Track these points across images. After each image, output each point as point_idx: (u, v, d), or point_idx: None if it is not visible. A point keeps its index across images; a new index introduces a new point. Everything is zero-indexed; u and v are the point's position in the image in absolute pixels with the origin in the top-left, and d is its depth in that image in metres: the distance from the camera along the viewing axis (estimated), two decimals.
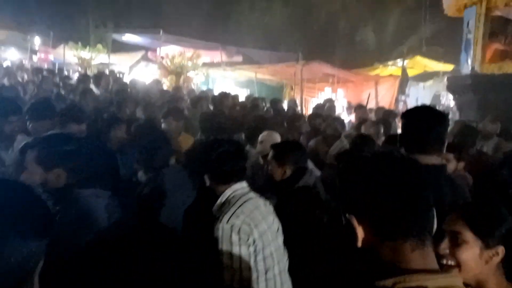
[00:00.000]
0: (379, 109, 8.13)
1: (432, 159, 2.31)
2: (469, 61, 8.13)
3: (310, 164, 3.82)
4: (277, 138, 4.35)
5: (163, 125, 4.95)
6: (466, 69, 8.23)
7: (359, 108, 8.00)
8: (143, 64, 19.51)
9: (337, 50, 20.98)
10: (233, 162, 2.49)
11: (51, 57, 18.92)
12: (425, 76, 16.39)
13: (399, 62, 16.36)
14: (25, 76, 12.57)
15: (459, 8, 8.40)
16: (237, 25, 22.38)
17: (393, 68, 16.83)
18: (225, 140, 2.64)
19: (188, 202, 2.86)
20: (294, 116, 6.73)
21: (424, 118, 2.34)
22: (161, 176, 3.11)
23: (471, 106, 7.91)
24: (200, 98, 8.50)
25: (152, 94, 9.16)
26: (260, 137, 4.34)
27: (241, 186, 2.52)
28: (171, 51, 16.70)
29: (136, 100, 7.57)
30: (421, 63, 16.13)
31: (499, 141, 5.02)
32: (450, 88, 8.60)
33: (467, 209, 1.79)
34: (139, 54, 19.28)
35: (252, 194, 2.54)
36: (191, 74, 16.57)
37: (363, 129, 5.36)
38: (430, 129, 2.30)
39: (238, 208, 2.37)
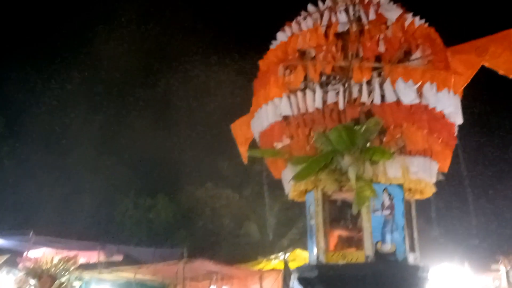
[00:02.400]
0: None
1: None
2: (314, 250, 7.91)
3: None
4: None
5: None
6: (313, 258, 7.97)
7: None
8: (5, 270, 17.32)
9: (222, 243, 20.99)
10: None
11: None
12: None
13: (281, 255, 16.78)
14: None
15: (300, 193, 8.50)
16: (120, 222, 21.86)
17: (276, 261, 17.09)
18: None
19: None
20: None
21: None
22: None
23: None
24: None
25: None
26: None
27: None
28: (43, 254, 15.30)
29: None
30: (301, 256, 16.39)
31: None
32: (301, 281, 8.15)
33: None
34: (1, 259, 17.23)
35: None
36: (64, 279, 14.96)
37: None
38: None
39: None
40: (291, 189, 8.40)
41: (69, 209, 21.19)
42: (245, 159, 10.09)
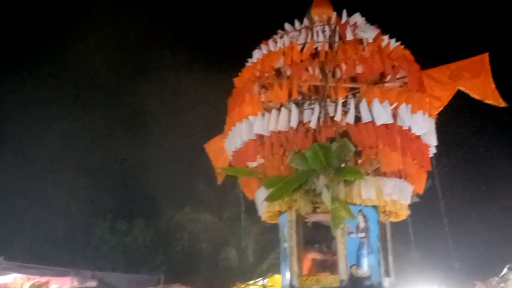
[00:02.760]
0: None
1: None
2: (287, 274, 7.64)
3: None
4: None
5: None
6: (286, 283, 7.69)
7: None
8: None
9: (201, 268, 20.39)
10: None
11: None
12: None
13: (260, 281, 16.33)
14: None
15: (274, 215, 8.27)
16: (95, 247, 21.14)
17: (255, 287, 16.61)
18: None
19: None
20: None
21: None
22: None
23: None
24: None
25: None
26: None
27: None
28: (13, 279, 14.69)
29: None
30: (280, 281, 15.94)
31: None
32: None
33: None
34: None
35: None
36: None
37: None
38: None
39: None
40: (264, 210, 8.16)
41: (43, 234, 20.40)
42: (220, 180, 9.84)
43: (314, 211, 7.65)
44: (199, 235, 20.74)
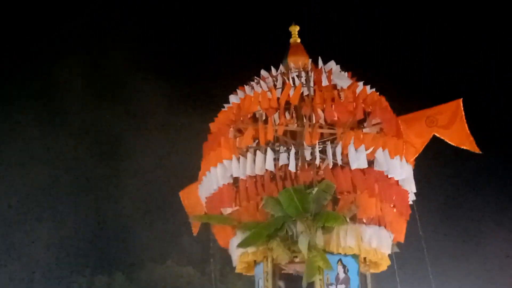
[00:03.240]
0: None
1: None
2: None
3: None
4: None
5: None
6: None
7: None
8: None
9: None
10: None
11: None
12: None
13: None
14: None
15: (248, 265, 7.85)
16: None
17: None
18: None
19: None
20: None
21: None
22: None
23: None
24: None
25: None
26: None
27: None
28: None
29: None
30: None
31: None
32: None
33: None
34: None
35: None
36: None
37: None
38: None
39: None
40: (238, 260, 7.75)
41: None
42: (195, 230, 9.45)
43: (292, 260, 7.30)
44: None
